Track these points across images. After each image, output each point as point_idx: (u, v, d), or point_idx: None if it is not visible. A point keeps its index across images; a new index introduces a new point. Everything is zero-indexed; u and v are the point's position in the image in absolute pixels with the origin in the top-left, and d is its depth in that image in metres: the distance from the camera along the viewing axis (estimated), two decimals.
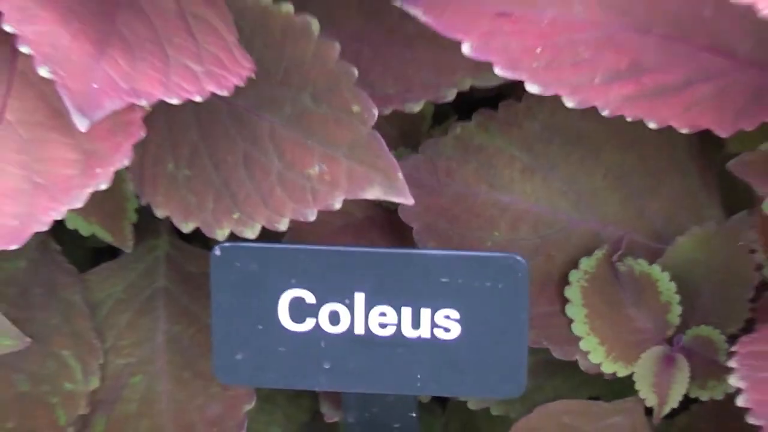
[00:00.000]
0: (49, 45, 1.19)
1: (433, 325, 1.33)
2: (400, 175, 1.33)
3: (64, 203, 1.21)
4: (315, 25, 1.40)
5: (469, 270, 1.32)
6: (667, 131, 1.43)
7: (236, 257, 1.34)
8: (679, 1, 1.37)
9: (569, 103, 1.33)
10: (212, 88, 1.24)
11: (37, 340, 1.53)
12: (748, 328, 1.49)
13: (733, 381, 1.38)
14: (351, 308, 1.33)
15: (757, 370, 1.43)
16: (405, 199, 1.35)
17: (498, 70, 1.31)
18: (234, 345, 1.37)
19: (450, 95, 1.48)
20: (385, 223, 1.59)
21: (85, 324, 1.58)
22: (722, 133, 1.38)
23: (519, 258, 1.31)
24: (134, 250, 1.62)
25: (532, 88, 1.31)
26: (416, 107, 1.46)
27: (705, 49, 1.38)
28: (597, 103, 1.32)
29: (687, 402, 1.51)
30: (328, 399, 1.67)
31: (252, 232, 1.39)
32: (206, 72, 1.28)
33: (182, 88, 1.22)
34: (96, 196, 1.31)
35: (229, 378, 1.39)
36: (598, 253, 1.48)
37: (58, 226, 1.48)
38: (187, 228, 1.43)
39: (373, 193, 1.36)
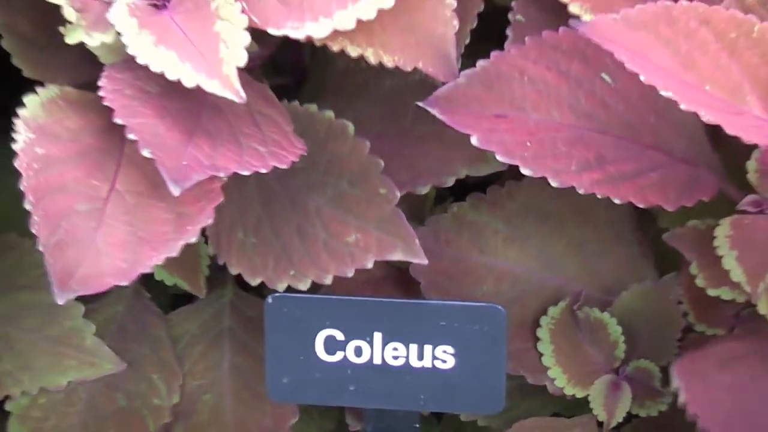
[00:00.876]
0: (149, 133, 1.23)
1: (434, 357, 1.37)
2: (417, 241, 1.37)
3: (163, 252, 1.26)
4: (350, 127, 1.44)
5: (462, 316, 1.36)
6: (616, 212, 1.57)
7: (284, 305, 1.37)
8: (631, 110, 1.41)
9: (554, 184, 1.36)
10: (274, 163, 1.27)
11: (132, 366, 1.56)
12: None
13: (675, 383, 1.37)
14: (371, 344, 1.37)
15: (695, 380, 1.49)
16: (421, 259, 1.38)
17: (499, 157, 1.33)
18: (282, 372, 1.40)
19: (450, 182, 1.52)
20: (399, 279, 1.59)
21: (168, 354, 1.61)
22: (669, 208, 1.41)
23: (500, 307, 1.35)
24: (206, 297, 1.64)
25: (525, 171, 1.34)
26: (424, 190, 1.50)
27: (650, 147, 1.41)
28: (574, 185, 1.35)
29: (629, 417, 1.54)
30: (352, 413, 1.70)
31: (304, 285, 1.40)
32: (269, 152, 1.30)
33: (251, 164, 1.26)
34: (178, 255, 1.34)
35: (278, 397, 1.42)
36: (562, 304, 1.52)
37: (148, 277, 1.55)
38: (254, 282, 1.45)
39: (397, 256, 1.39)
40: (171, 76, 1.21)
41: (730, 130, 1.21)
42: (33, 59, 1.40)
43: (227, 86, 1.21)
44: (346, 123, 1.43)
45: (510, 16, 1.53)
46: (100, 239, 1.27)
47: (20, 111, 1.28)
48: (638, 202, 1.37)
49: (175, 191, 1.19)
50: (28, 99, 1.29)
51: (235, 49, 1.24)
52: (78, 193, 1.27)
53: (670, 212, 1.49)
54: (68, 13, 1.26)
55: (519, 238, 1.57)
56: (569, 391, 1.51)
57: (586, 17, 1.40)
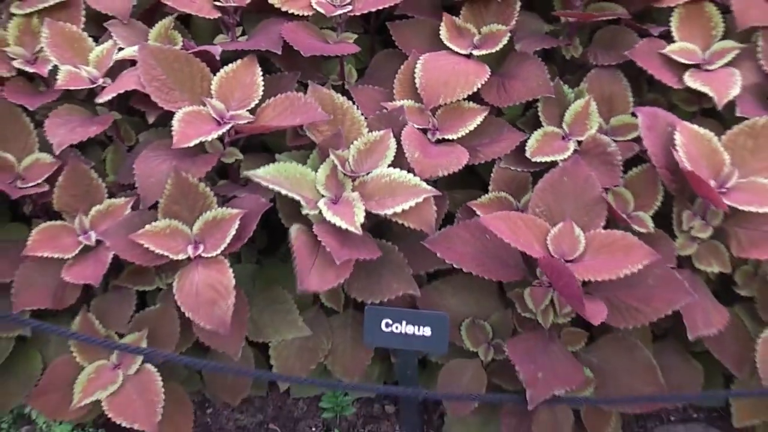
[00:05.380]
0: (337, 246, 1.51)
1: (422, 331, 1.61)
2: (418, 289, 1.64)
3: (332, 283, 1.52)
4: (397, 249, 1.67)
5: (432, 317, 1.61)
6: (491, 288, 1.77)
7: (372, 310, 1.61)
8: (496, 248, 1.62)
9: (472, 272, 1.59)
10: (368, 256, 1.55)
11: (315, 333, 1.79)
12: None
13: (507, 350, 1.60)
14: (401, 324, 1.61)
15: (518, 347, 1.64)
16: (417, 293, 1.65)
17: (448, 262, 1.59)
18: (370, 334, 1.63)
19: (431, 270, 1.73)
20: (412, 300, 1.74)
21: (327, 329, 1.82)
22: (507, 280, 1.64)
23: (446, 314, 1.60)
24: (343, 312, 1.83)
25: (463, 269, 1.58)
26: (420, 273, 1.70)
27: (500, 260, 1.61)
28: (477, 272, 1.58)
29: (493, 360, 1.73)
30: (392, 352, 1.93)
31: (379, 301, 1.64)
32: (368, 252, 1.57)
33: (364, 257, 1.55)
34: (332, 294, 1.76)
35: (368, 344, 1.65)
36: (469, 320, 1.75)
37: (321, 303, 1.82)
38: (360, 300, 1.67)
39: (411, 292, 1.65)
40: (339, 225, 1.52)
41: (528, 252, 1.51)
42: (287, 216, 1.63)
43: (357, 230, 1.51)
44: (394, 246, 1.68)
45: (456, 215, 1.77)
46: (312, 277, 1.54)
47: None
48: (498, 278, 1.61)
49: (338, 262, 1.50)
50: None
51: (360, 216, 1.54)
52: (307, 262, 1.53)
53: (510, 287, 1.74)
54: (303, 204, 1.57)
55: (455, 296, 1.79)
56: (471, 348, 1.74)
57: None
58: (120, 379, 1.69)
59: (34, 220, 1.82)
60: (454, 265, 1.63)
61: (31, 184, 1.74)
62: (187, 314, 1.56)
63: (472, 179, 1.94)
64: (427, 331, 1.64)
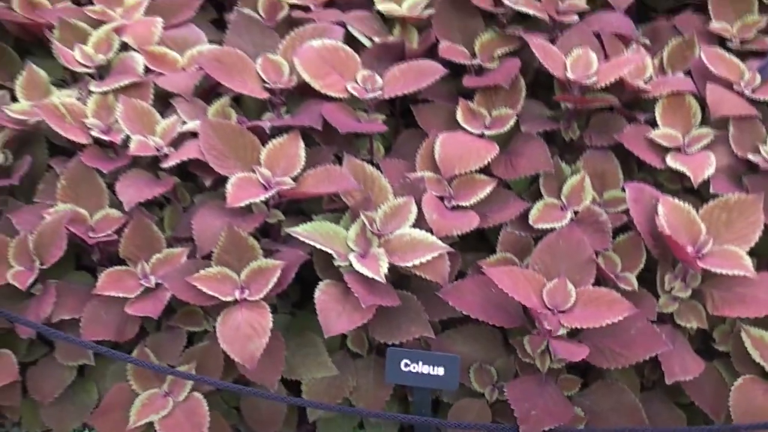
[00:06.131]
0: (367, 294, 1.81)
1: (437, 371, 1.76)
2: (433, 333, 1.84)
3: (356, 323, 1.73)
4: (415, 297, 1.87)
5: (445, 359, 1.76)
6: (493, 335, 1.94)
7: (394, 352, 1.76)
8: (499, 297, 1.78)
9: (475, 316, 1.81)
10: (390, 304, 1.77)
11: (342, 373, 1.94)
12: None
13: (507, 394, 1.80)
14: (418, 364, 1.76)
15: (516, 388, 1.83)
16: (432, 336, 1.86)
17: (458, 308, 1.77)
18: (391, 372, 1.77)
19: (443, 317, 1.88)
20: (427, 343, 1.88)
21: (352, 368, 1.96)
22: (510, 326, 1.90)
23: (457, 356, 1.76)
24: (367, 355, 1.97)
25: (472, 314, 1.78)
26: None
27: (497, 305, 1.78)
28: (469, 314, 1.75)
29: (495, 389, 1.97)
30: (408, 389, 2.01)
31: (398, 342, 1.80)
32: (390, 299, 1.80)
33: (383, 305, 1.83)
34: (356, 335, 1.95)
35: (389, 380, 1.78)
36: (477, 364, 1.91)
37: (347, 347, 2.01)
38: (383, 340, 1.83)
39: (426, 335, 1.83)
40: (366, 275, 1.73)
41: (524, 303, 1.70)
42: (321, 268, 1.84)
43: (382, 279, 1.72)
44: (413, 296, 1.86)
45: (468, 273, 1.93)
46: (341, 321, 1.73)
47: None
48: (500, 324, 1.79)
49: (365, 306, 1.71)
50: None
51: (384, 268, 1.75)
52: (333, 310, 1.75)
53: (513, 335, 1.91)
54: (335, 257, 1.81)
55: (465, 344, 1.95)
56: (478, 389, 1.90)
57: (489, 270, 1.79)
58: (170, 405, 1.91)
59: (98, 268, 2.08)
60: (464, 313, 1.85)
61: (101, 235, 2.02)
62: (222, 345, 1.78)
63: (482, 244, 2.11)
64: (440, 371, 1.81)
